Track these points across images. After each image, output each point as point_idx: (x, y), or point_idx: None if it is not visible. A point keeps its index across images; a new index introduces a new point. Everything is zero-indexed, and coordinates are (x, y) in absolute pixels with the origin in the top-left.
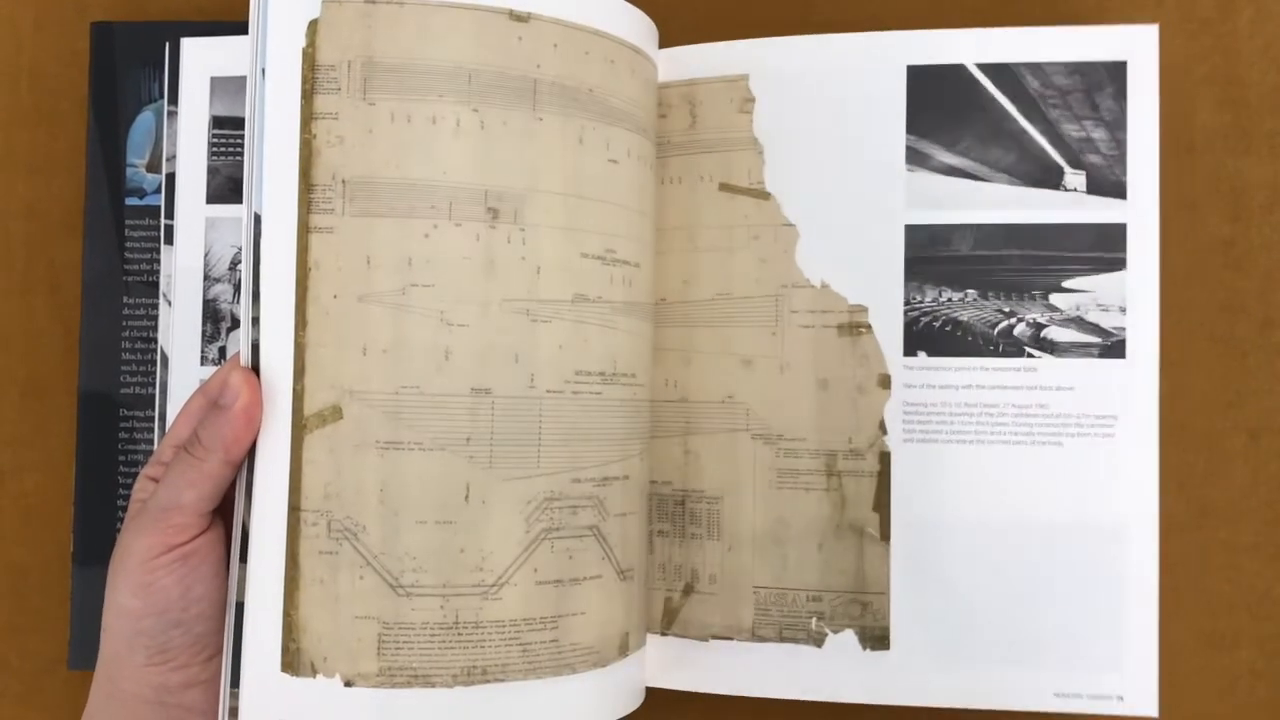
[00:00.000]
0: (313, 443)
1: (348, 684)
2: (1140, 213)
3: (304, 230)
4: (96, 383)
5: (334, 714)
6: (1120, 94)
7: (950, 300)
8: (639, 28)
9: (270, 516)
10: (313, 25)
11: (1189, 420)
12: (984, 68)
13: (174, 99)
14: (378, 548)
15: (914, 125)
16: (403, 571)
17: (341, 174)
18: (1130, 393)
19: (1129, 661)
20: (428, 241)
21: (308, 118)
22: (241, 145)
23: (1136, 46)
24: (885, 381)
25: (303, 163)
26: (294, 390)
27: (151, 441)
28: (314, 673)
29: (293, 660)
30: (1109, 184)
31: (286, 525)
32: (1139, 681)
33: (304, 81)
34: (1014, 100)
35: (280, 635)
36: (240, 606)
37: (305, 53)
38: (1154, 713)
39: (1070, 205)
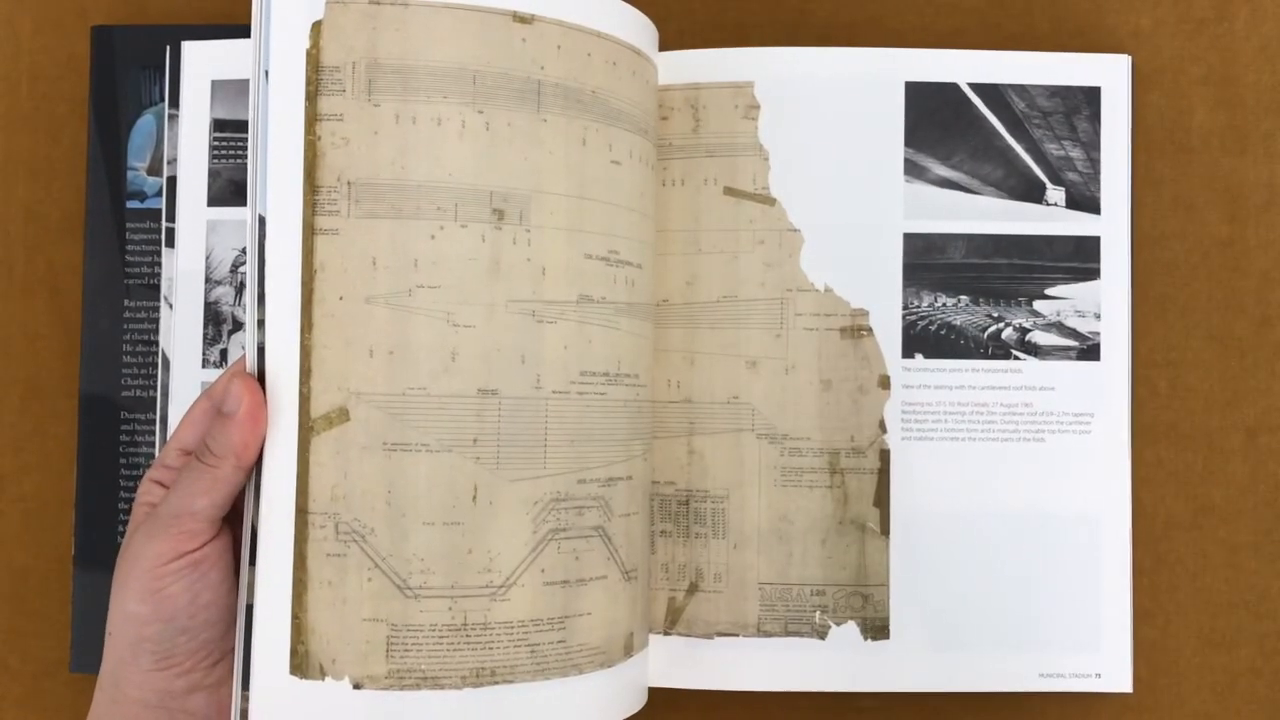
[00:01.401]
0: (320, 445)
1: (356, 686)
2: (1113, 226)
3: (309, 232)
4: (97, 386)
5: (343, 716)
6: (1095, 117)
7: (945, 305)
8: (640, 30)
9: (278, 519)
10: (316, 27)
11: (1187, 419)
12: (975, 87)
13: (175, 102)
14: (386, 549)
15: (912, 139)
16: (411, 573)
17: (346, 176)
18: (1105, 392)
19: (1105, 642)
20: (433, 243)
21: (312, 119)
22: (243, 148)
23: (1110, 74)
24: (885, 382)
25: (307, 165)
26: (300, 393)
27: (153, 444)
28: (323, 675)
29: (301, 663)
30: (1085, 200)
31: (294, 527)
32: (1114, 660)
33: (308, 83)
34: (1001, 119)
35: (289, 638)
36: (250, 609)
37: (309, 54)
38: (1128, 689)
39: (1051, 219)
